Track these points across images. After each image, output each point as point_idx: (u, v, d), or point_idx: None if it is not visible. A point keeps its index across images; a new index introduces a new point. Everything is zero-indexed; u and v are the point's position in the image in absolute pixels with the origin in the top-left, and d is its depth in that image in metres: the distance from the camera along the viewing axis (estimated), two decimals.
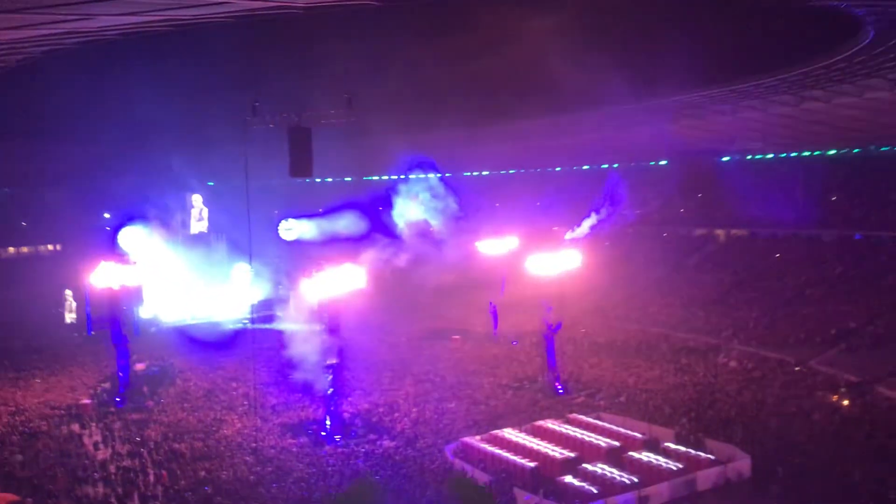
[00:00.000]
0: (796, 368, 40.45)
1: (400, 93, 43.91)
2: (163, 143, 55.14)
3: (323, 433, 33.09)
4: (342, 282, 34.54)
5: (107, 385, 40.78)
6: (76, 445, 32.71)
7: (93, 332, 51.41)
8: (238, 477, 28.71)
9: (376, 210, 41.93)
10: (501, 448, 30.33)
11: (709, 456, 28.50)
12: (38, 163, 65.95)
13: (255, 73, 39.00)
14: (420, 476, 28.34)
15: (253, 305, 55.73)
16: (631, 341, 47.99)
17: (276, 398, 38.26)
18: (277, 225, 50.29)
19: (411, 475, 28.50)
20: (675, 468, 27.64)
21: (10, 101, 39.79)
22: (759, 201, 58.85)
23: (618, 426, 32.37)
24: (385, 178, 74.67)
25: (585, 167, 75.90)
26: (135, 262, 44.26)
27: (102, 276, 40.88)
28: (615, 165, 70.08)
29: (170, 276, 54.84)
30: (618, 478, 26.98)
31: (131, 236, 50.49)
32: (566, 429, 32.26)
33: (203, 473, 28.91)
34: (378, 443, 32.31)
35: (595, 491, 26.14)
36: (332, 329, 34.12)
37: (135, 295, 50.43)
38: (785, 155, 64.08)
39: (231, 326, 53.66)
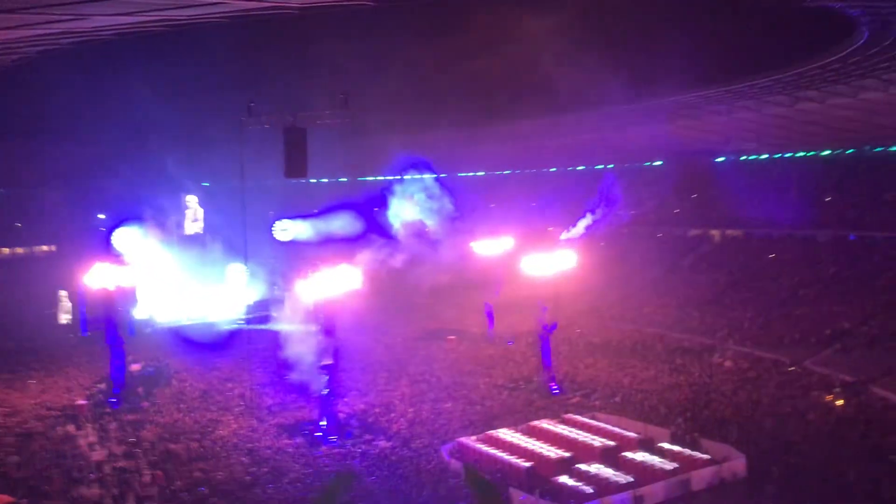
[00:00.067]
0: (791, 368, 40.53)
1: (399, 93, 43.99)
2: (158, 144, 55.03)
3: (319, 434, 32.98)
4: (338, 282, 34.49)
5: (102, 386, 40.55)
6: (71, 446, 32.54)
7: (88, 333, 51.09)
8: (234, 477, 28.63)
9: (372, 211, 41.78)
10: (497, 448, 30.31)
11: (704, 456, 28.54)
12: (33, 163, 65.86)
13: (251, 73, 39.01)
14: (416, 476, 28.31)
15: (248, 306, 55.49)
16: (626, 341, 48.00)
17: (271, 399, 38.15)
18: (272, 225, 50.15)
19: (407, 475, 28.47)
20: (670, 468, 27.67)
21: (5, 101, 39.73)
22: (753, 202, 59.01)
23: (613, 426, 32.38)
24: (380, 178, 74.52)
25: (581, 168, 76.03)
26: (130, 263, 44.14)
27: (97, 277, 40.69)
28: (610, 166, 70.07)
29: (165, 276, 54.50)
30: (613, 477, 27.00)
31: (126, 237, 50.12)
32: (561, 429, 32.26)
33: (199, 474, 28.80)
34: (374, 443, 32.22)
35: (590, 491, 26.14)
36: (328, 330, 34.05)
37: (130, 296, 50.13)
38: (779, 155, 64.27)
39: (226, 327, 53.40)
